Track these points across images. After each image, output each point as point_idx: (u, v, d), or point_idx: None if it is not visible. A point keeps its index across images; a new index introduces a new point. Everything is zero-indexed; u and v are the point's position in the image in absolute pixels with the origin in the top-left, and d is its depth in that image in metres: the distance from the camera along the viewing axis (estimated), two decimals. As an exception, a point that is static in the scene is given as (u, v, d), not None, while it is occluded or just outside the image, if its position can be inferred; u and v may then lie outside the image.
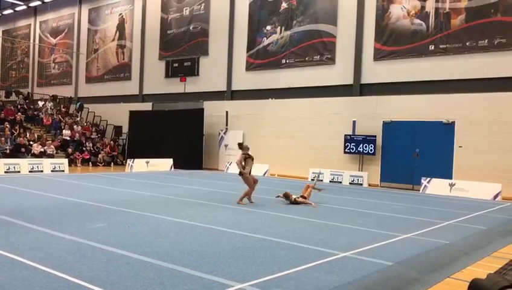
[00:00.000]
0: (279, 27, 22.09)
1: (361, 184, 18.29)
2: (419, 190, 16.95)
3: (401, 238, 7.80)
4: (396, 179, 18.09)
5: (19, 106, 26.75)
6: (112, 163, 24.37)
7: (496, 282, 1.35)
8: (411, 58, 18.12)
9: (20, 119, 24.48)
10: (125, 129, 27.09)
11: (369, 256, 6.30)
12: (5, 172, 17.16)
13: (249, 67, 23.12)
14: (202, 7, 25.19)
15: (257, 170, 21.20)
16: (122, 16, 29.58)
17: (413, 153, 17.78)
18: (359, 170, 18.99)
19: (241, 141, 12.18)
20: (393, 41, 18.55)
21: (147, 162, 21.67)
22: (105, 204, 10.26)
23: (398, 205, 12.52)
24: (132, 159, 21.60)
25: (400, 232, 8.20)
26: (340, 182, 18.79)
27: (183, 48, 25.97)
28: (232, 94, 23.91)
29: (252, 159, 11.51)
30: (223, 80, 24.06)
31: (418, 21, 18.00)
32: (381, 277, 5.40)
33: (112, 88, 29.77)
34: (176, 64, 26.22)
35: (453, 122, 16.94)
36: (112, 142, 25.59)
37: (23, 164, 17.98)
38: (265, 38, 22.55)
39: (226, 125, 23.74)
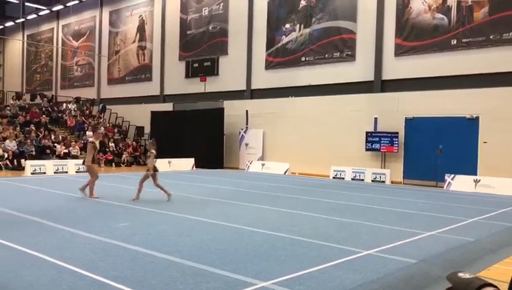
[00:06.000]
0: (298, 25, 22.00)
1: (384, 181, 18.09)
2: (443, 187, 16.67)
3: (425, 235, 7.70)
4: (419, 176, 17.84)
5: (44, 109, 27.31)
6: (135, 163, 24.67)
7: (471, 281, 1.33)
8: (433, 53, 17.83)
9: (45, 122, 25.00)
10: (147, 130, 27.38)
11: (393, 254, 6.24)
12: (32, 173, 17.55)
13: (269, 65, 23.11)
14: (221, 7, 25.27)
15: (277, 168, 21.25)
16: (142, 18, 29.90)
17: (437, 150, 17.49)
18: (381, 167, 18.79)
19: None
20: (415, 37, 18.27)
21: (169, 162, 21.85)
22: (128, 204, 10.41)
23: (422, 202, 12.35)
24: (155, 159, 21.75)
25: (423, 230, 8.10)
26: (363, 180, 18.61)
27: (202, 48, 26.11)
28: (252, 93, 23.94)
29: (95, 148, 11.94)
30: (243, 79, 24.11)
31: (439, 15, 17.69)
32: (405, 274, 5.35)
33: (133, 89, 30.14)
34: (196, 65, 26.38)
35: (477, 118, 16.61)
36: (134, 142, 25.92)
37: (49, 165, 18.35)
38: (284, 36, 22.49)
39: (246, 124, 23.78)
